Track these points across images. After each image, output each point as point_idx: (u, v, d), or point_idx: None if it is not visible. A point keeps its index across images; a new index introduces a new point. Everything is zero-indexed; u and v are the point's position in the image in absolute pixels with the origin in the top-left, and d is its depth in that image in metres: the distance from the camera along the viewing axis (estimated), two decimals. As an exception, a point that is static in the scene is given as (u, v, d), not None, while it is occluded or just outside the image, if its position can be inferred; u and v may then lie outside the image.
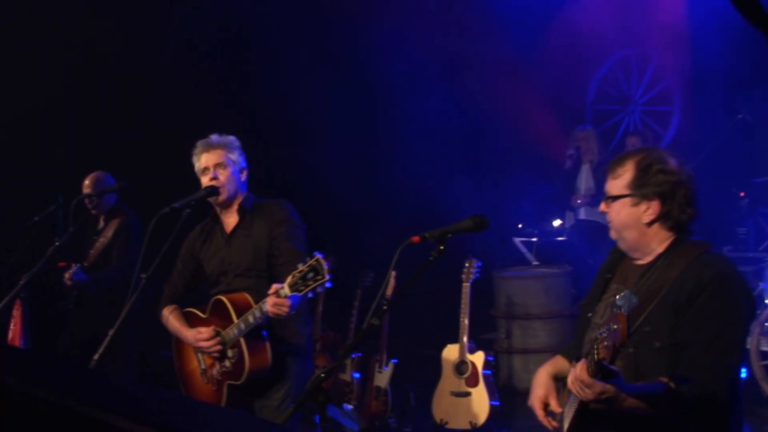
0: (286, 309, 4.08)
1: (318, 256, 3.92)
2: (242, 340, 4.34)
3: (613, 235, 3.25)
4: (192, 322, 4.62)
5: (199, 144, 4.65)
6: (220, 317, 4.46)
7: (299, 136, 8.84)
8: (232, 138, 4.68)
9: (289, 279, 3.96)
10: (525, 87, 9.80)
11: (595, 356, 2.79)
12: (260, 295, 4.27)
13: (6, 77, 8.58)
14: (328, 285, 3.91)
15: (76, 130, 8.98)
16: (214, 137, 4.65)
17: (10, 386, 1.95)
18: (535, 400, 3.34)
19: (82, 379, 2.42)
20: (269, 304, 4.11)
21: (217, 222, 4.73)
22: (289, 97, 9.38)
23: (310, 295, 3.97)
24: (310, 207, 6.61)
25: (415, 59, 9.51)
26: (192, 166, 4.68)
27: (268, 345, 4.36)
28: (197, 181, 4.67)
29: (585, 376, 2.83)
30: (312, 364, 4.76)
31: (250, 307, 4.31)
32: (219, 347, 4.41)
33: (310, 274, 3.91)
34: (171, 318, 4.71)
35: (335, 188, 9.39)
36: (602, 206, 3.26)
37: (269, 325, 4.36)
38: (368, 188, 9.48)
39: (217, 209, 4.70)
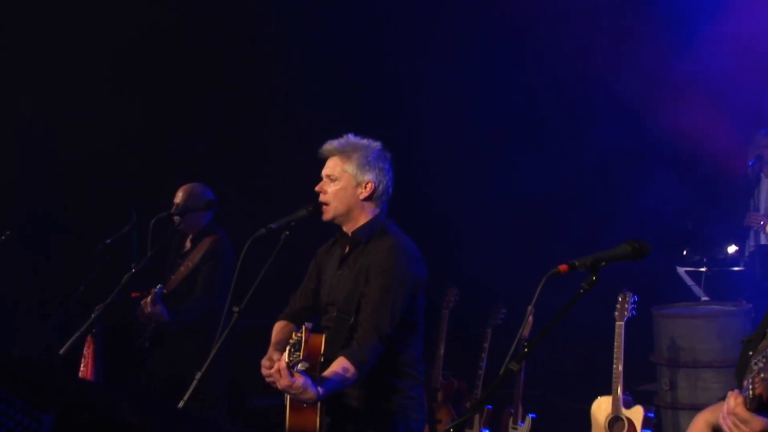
0: (285, 384, 4.00)
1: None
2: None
3: None
4: None
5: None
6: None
7: (424, 154, 8.83)
8: (360, 143, 4.50)
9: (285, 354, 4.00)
10: (692, 89, 9.60)
11: (750, 392, 2.81)
12: (332, 347, 4.23)
13: (76, 77, 8.76)
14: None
15: (152, 137, 9.00)
16: (338, 140, 4.51)
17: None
18: None
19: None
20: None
21: (342, 238, 4.59)
22: (417, 118, 9.39)
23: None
24: (432, 232, 6.62)
25: (568, 69, 9.45)
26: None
27: (316, 412, 4.21)
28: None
29: (741, 410, 2.86)
30: (423, 425, 4.61)
31: (318, 354, 4.22)
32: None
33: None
34: (273, 334, 4.64)
35: (461, 210, 9.35)
36: None
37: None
38: (500, 207, 9.42)
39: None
